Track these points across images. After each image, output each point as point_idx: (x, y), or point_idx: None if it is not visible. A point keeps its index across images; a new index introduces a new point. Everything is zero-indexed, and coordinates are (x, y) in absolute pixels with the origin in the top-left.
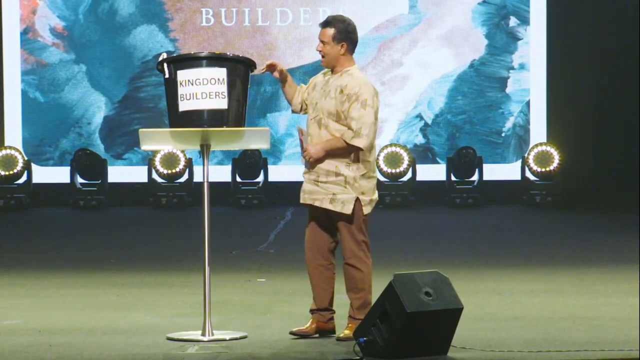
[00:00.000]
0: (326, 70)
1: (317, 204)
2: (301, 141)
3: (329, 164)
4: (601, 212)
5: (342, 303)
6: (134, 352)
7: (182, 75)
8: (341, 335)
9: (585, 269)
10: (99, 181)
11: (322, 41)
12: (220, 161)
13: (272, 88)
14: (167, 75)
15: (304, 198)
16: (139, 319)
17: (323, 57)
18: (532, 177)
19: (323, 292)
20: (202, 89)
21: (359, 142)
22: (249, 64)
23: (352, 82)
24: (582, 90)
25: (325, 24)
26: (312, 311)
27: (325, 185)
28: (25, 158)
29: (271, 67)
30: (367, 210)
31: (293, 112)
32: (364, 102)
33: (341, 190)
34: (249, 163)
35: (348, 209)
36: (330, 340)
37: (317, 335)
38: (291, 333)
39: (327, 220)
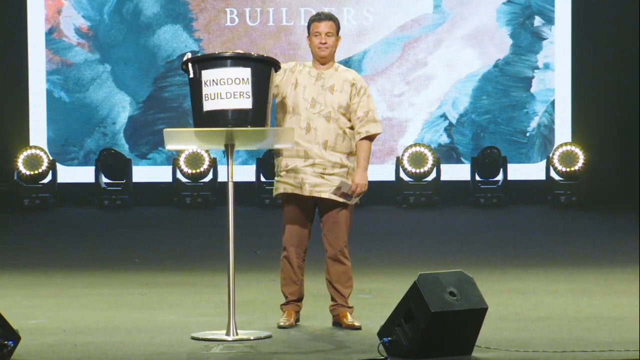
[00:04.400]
0: (302, 63)
1: (324, 195)
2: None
3: (334, 156)
4: (626, 211)
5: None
6: (158, 352)
7: (207, 75)
8: (357, 324)
9: (610, 268)
10: (124, 181)
11: (328, 33)
12: (244, 161)
13: None
14: (191, 75)
15: (310, 191)
16: (163, 318)
17: (326, 49)
18: (556, 177)
19: (301, 283)
20: (227, 88)
21: (379, 128)
22: (273, 64)
23: (356, 76)
24: (607, 90)
25: (328, 17)
26: (289, 302)
27: (330, 177)
28: (50, 158)
29: None
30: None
31: None
32: (370, 95)
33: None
34: (272, 163)
35: (354, 199)
36: (354, 339)
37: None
38: (279, 327)
39: (311, 214)
